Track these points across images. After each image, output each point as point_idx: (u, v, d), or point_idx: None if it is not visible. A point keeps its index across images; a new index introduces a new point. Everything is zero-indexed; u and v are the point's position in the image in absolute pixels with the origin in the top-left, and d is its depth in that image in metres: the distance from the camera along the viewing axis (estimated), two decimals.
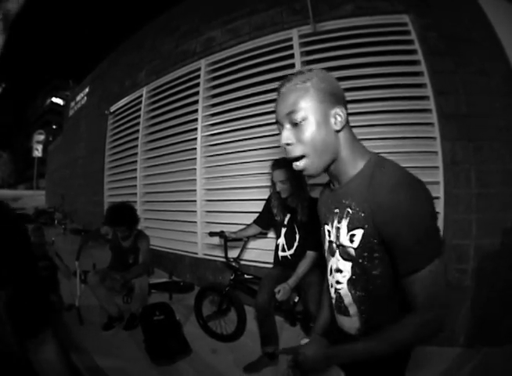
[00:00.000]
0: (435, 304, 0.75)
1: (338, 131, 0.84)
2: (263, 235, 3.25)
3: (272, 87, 3.36)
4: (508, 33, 2.72)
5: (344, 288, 0.91)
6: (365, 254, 0.82)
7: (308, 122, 0.81)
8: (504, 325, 2.42)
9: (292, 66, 3.27)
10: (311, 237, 2.24)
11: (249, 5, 3.74)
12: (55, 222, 8.60)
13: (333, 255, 0.94)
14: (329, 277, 0.99)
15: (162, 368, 2.28)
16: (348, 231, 0.85)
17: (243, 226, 2.81)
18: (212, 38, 4.04)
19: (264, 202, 2.69)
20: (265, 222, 2.67)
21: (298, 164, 0.86)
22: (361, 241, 0.82)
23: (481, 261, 2.45)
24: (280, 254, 2.50)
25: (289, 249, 2.45)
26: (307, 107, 0.81)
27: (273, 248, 2.62)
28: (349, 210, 0.85)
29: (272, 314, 2.32)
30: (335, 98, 0.83)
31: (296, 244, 2.42)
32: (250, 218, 2.83)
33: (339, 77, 1.92)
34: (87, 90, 8.34)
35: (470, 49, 2.70)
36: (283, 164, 2.29)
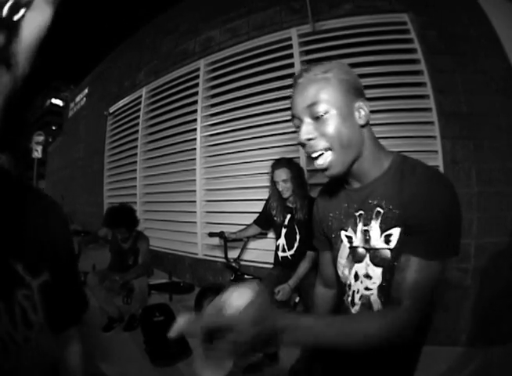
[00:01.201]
0: (419, 300, 0.69)
1: (363, 127, 0.78)
2: (263, 235, 3.24)
3: (272, 86, 3.36)
4: (507, 31, 2.71)
5: (374, 295, 0.84)
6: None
7: (332, 115, 0.74)
8: (505, 324, 2.41)
9: (291, 65, 3.26)
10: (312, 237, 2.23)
11: (248, 4, 3.73)
12: None
13: (359, 261, 0.86)
14: (356, 283, 0.88)
15: (162, 369, 2.26)
16: (382, 232, 0.79)
17: (243, 227, 2.80)
18: (211, 38, 4.03)
19: (264, 202, 2.68)
20: (265, 222, 2.66)
21: (321, 163, 0.77)
22: (398, 241, 0.76)
23: (482, 260, 2.44)
24: (280, 254, 2.49)
25: (289, 249, 2.44)
26: (330, 99, 0.74)
27: (273, 249, 2.60)
28: (379, 209, 0.79)
29: None
30: (357, 91, 0.78)
31: (296, 245, 2.41)
32: (250, 219, 2.82)
33: None
34: (86, 91, 8.32)
35: (470, 48, 2.70)
36: (285, 163, 2.29)
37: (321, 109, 0.74)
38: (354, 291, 0.90)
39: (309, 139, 0.77)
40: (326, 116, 0.74)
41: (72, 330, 0.65)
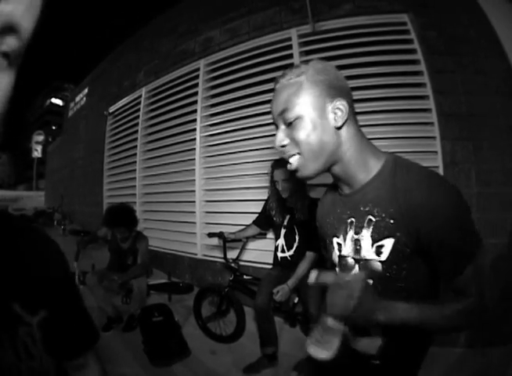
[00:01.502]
0: (490, 289, 0.71)
1: (339, 128, 0.74)
2: (262, 236, 3.23)
3: (272, 87, 3.34)
4: (507, 32, 2.71)
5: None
6: (395, 266, 0.73)
7: (302, 120, 0.73)
8: (505, 325, 2.40)
9: (291, 66, 3.24)
10: (311, 238, 2.23)
11: (247, 4, 3.73)
12: (55, 222, 8.58)
13: (348, 272, 0.83)
14: None
15: (161, 370, 2.26)
16: (374, 242, 0.75)
17: (243, 227, 2.80)
18: (211, 38, 4.03)
19: (263, 203, 2.68)
20: (265, 222, 2.66)
21: (292, 163, 0.78)
22: (391, 252, 0.72)
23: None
24: (280, 254, 2.49)
25: (288, 250, 2.44)
26: (300, 104, 0.73)
27: (272, 249, 2.60)
28: (371, 218, 0.75)
29: (272, 315, 2.31)
30: (335, 90, 0.74)
31: (295, 245, 2.41)
32: (249, 219, 2.82)
33: None
34: (86, 91, 8.33)
35: (470, 48, 2.70)
36: (285, 163, 2.28)
37: (291, 115, 0.74)
38: None
39: (283, 146, 0.77)
40: (295, 122, 0.74)
41: (85, 357, 0.67)
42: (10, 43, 0.30)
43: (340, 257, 0.86)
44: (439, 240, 0.67)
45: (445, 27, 2.77)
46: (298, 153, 0.76)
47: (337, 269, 0.89)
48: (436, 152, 2.64)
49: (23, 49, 0.32)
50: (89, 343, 0.67)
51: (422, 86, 2.79)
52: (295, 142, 0.75)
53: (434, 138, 2.67)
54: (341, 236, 0.85)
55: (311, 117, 0.73)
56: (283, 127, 0.77)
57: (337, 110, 0.73)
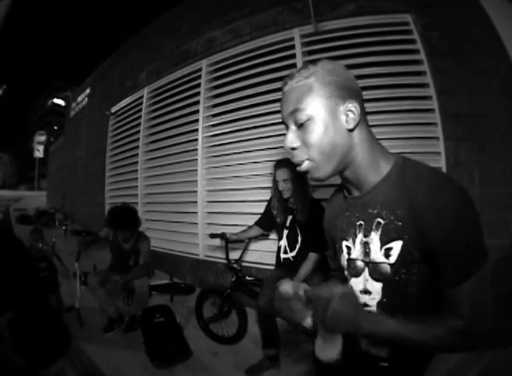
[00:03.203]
0: (483, 313, 0.68)
1: (351, 130, 0.73)
2: (265, 237, 3.22)
3: (274, 87, 3.35)
4: (509, 32, 2.70)
5: (373, 311, 0.80)
6: (403, 270, 0.72)
7: (314, 122, 0.71)
8: (509, 326, 2.39)
9: (293, 66, 3.25)
10: (314, 239, 2.22)
11: (250, 4, 3.72)
12: (56, 223, 8.60)
13: (356, 275, 0.83)
14: None
15: (162, 371, 2.25)
16: (382, 245, 0.74)
17: (245, 228, 2.78)
18: (213, 38, 4.03)
19: (265, 203, 2.66)
20: (267, 223, 2.64)
21: (303, 167, 0.75)
22: (399, 255, 0.71)
23: None
24: (282, 256, 2.47)
25: (291, 251, 2.42)
26: (311, 105, 0.71)
27: (275, 250, 2.59)
28: (380, 220, 0.75)
29: (274, 316, 2.30)
30: (346, 92, 0.72)
31: (298, 246, 2.39)
32: (251, 220, 2.81)
33: None
34: (88, 91, 8.35)
35: (473, 49, 2.69)
36: (287, 163, 2.27)
37: (302, 116, 0.72)
38: None
39: (293, 148, 0.75)
40: (307, 123, 0.72)
41: (63, 364, 0.67)
42: None
43: (349, 260, 0.85)
44: (443, 245, 0.65)
45: (448, 27, 2.76)
46: (308, 159, 0.74)
47: (346, 272, 0.88)
48: (439, 153, 2.63)
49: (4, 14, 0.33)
50: (61, 348, 0.66)
51: (425, 86, 2.78)
52: (306, 144, 0.73)
53: (437, 138, 2.66)
54: (350, 240, 0.84)
55: (323, 118, 0.71)
56: (293, 127, 0.75)
57: (349, 113, 0.72)
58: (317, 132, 0.71)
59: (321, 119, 0.71)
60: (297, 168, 0.77)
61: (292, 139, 0.75)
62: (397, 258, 0.72)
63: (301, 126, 0.73)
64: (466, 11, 2.78)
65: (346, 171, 0.78)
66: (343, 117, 0.72)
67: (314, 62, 0.75)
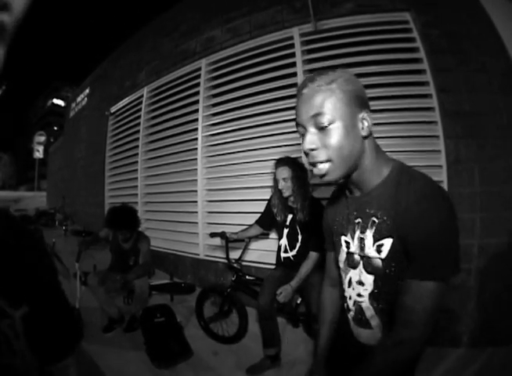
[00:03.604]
0: (421, 323, 0.72)
1: (365, 138, 0.79)
2: (265, 236, 3.22)
3: (274, 86, 3.34)
4: (509, 30, 2.70)
5: (365, 301, 0.89)
6: (393, 264, 0.79)
7: (337, 126, 0.75)
8: (508, 325, 2.39)
9: (293, 64, 3.24)
10: (314, 238, 2.22)
11: (249, 3, 3.72)
12: (56, 223, 8.60)
13: (354, 268, 0.90)
14: (349, 289, 0.94)
15: (163, 371, 2.25)
16: (375, 241, 0.82)
17: (245, 227, 2.78)
18: (212, 38, 4.02)
19: (266, 202, 2.66)
20: (267, 222, 2.64)
21: (322, 168, 0.78)
22: (389, 251, 0.79)
23: (485, 260, 2.42)
24: (282, 255, 2.47)
25: (291, 250, 2.42)
26: (334, 110, 0.75)
27: (275, 249, 2.59)
28: (375, 219, 0.82)
29: (275, 316, 2.30)
30: (361, 101, 0.78)
31: (298, 245, 2.39)
32: (251, 219, 2.80)
33: None
34: (87, 91, 8.34)
35: (472, 46, 2.68)
36: (287, 161, 2.27)
37: (325, 120, 0.75)
38: (347, 297, 0.96)
39: (312, 149, 0.78)
40: (330, 127, 0.75)
41: (68, 360, 0.66)
42: (2, 19, 0.31)
43: (348, 254, 0.93)
44: (416, 244, 0.72)
45: (448, 25, 2.76)
46: (328, 160, 0.77)
47: (342, 265, 0.97)
48: (439, 151, 2.62)
49: (14, 27, 0.33)
50: (74, 343, 0.66)
51: (425, 85, 2.77)
52: (326, 147, 0.76)
53: (437, 137, 2.65)
54: (349, 235, 0.92)
55: (346, 124, 0.75)
56: (313, 130, 0.78)
57: (364, 121, 0.77)
58: (339, 136, 0.75)
59: (343, 124, 0.75)
60: (316, 170, 0.80)
61: (312, 140, 0.77)
62: (387, 253, 0.79)
63: (322, 129, 0.76)
64: (465, 9, 2.78)
65: (353, 174, 0.83)
66: (360, 125, 0.78)
67: (332, 70, 0.78)
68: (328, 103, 0.75)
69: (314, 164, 0.80)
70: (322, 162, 0.78)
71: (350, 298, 0.94)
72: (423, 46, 2.78)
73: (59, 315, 0.63)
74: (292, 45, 3.31)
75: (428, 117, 2.72)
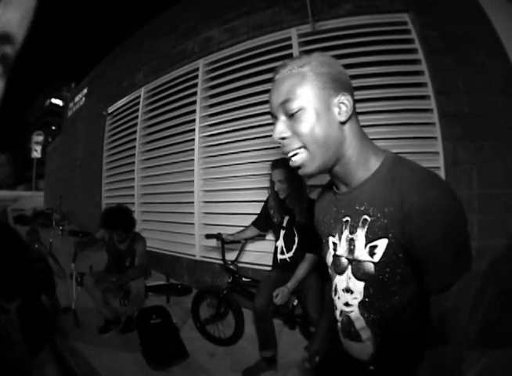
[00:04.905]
0: (459, 335, 0.70)
1: (343, 123, 0.71)
2: (261, 237, 3.21)
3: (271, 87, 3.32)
4: (508, 31, 2.70)
5: (354, 311, 0.79)
6: (388, 268, 0.70)
7: (306, 112, 0.69)
8: (507, 327, 2.38)
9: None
10: (311, 239, 2.20)
11: (247, 4, 3.71)
12: (53, 223, 8.57)
13: (341, 273, 0.82)
14: (335, 298, 0.85)
15: (159, 372, 2.23)
16: (367, 242, 0.72)
17: (241, 228, 2.77)
18: (210, 38, 4.01)
19: (262, 204, 2.65)
20: (264, 223, 2.63)
21: (295, 160, 0.73)
22: (384, 253, 0.69)
23: (483, 262, 2.41)
24: (279, 256, 2.46)
25: (288, 251, 2.41)
26: (304, 95, 0.69)
27: (272, 251, 2.57)
28: (366, 217, 0.73)
29: (271, 317, 2.28)
30: (339, 84, 0.71)
31: (295, 247, 2.38)
32: (248, 220, 2.79)
33: None
34: (85, 91, 8.32)
35: (471, 48, 2.68)
36: (283, 163, 2.26)
37: (294, 106, 0.70)
38: (334, 307, 0.88)
39: (283, 138, 0.73)
40: (299, 113, 0.70)
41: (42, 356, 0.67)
42: (6, 51, 0.31)
43: (335, 256, 0.84)
44: (432, 247, 0.63)
45: (446, 27, 2.75)
46: (302, 147, 0.71)
47: (330, 269, 0.88)
48: (438, 152, 2.61)
49: (14, 57, 0.34)
50: (47, 335, 0.67)
51: (423, 86, 2.76)
52: (297, 134, 0.71)
53: (435, 138, 2.65)
54: (337, 236, 0.83)
55: (316, 108, 0.69)
56: (283, 118, 0.73)
57: (342, 105, 0.70)
58: (309, 122, 0.69)
59: (313, 109, 0.69)
60: (290, 162, 0.75)
61: (282, 128, 0.73)
62: (381, 256, 0.70)
63: (291, 116, 0.71)
64: (464, 10, 2.78)
65: (335, 166, 0.75)
66: (336, 109, 0.70)
67: (308, 53, 0.74)
68: (297, 87, 0.70)
69: (290, 156, 0.74)
70: (295, 151, 0.72)
71: (337, 308, 0.86)
72: (422, 47, 2.78)
73: (40, 308, 0.63)
74: (290, 46, 3.30)
75: (426, 118, 2.72)
